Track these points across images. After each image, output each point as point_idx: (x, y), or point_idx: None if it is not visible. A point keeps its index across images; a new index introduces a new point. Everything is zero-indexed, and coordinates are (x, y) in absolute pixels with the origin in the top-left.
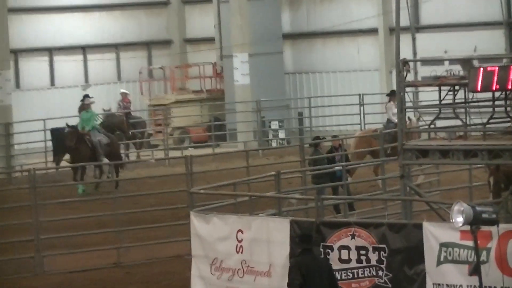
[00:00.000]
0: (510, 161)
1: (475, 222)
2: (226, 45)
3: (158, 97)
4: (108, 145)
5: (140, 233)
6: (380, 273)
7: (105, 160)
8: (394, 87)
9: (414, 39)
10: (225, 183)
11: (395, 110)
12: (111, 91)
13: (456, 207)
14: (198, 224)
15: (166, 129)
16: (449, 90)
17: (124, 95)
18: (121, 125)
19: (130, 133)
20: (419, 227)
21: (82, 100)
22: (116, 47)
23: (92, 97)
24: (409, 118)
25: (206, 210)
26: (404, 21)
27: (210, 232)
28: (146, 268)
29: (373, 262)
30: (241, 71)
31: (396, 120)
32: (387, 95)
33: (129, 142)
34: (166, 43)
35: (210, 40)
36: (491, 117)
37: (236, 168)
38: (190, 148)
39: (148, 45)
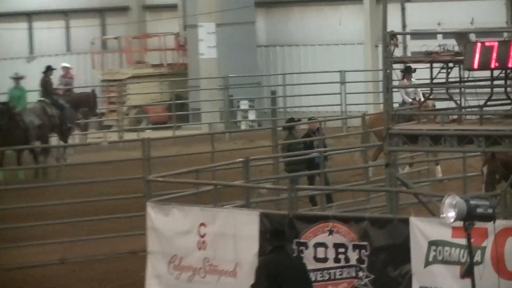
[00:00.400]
0: (510, 149)
1: (469, 217)
2: (190, 14)
3: (112, 71)
4: (39, 128)
5: (89, 226)
6: (361, 274)
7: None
8: (380, 63)
9: (403, 9)
10: (187, 170)
11: (410, 90)
12: (59, 64)
13: (447, 200)
14: (155, 216)
15: (121, 108)
16: (442, 68)
17: (65, 69)
18: (88, 101)
19: (96, 111)
20: (406, 222)
21: (45, 72)
22: (65, 14)
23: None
24: (418, 100)
25: (165, 201)
26: None
27: (168, 226)
28: (95, 265)
29: (353, 261)
30: (207, 43)
31: (410, 100)
32: (401, 71)
33: (79, 122)
34: (122, 10)
35: (172, 7)
36: (489, 99)
37: (200, 153)
38: (148, 130)
39: (101, 12)
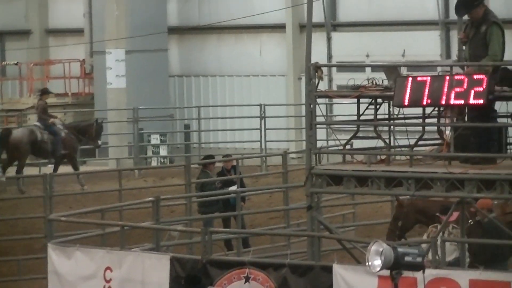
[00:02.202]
0: (441, 192)
1: (396, 266)
2: (97, 39)
3: (12, 100)
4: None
5: None
6: None
7: None
8: (303, 97)
9: (329, 39)
10: (92, 209)
11: None
12: None
13: (373, 248)
14: (57, 259)
15: None
16: (370, 103)
17: None
18: (89, 130)
19: (99, 142)
20: (329, 270)
21: (40, 95)
22: None
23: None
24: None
25: (68, 242)
26: (318, 16)
27: (71, 269)
28: None
29: None
30: (115, 72)
31: None
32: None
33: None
34: (24, 33)
35: (78, 31)
36: (421, 138)
37: (106, 191)
38: (49, 165)
39: (1, 35)
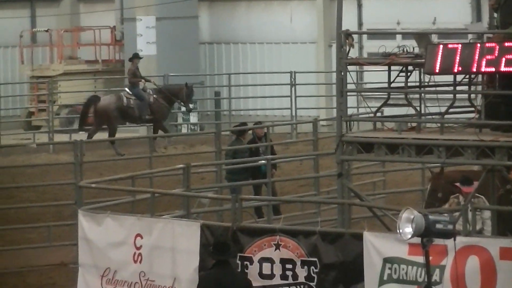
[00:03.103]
0: (472, 160)
1: (427, 234)
2: (128, 6)
3: (42, 67)
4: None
5: (13, 235)
6: None
7: None
8: (334, 65)
9: (360, 6)
10: (122, 176)
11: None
12: None
13: (404, 215)
14: (87, 226)
15: (51, 107)
16: (401, 71)
17: None
18: (180, 94)
19: (190, 105)
20: (359, 237)
21: (131, 60)
22: None
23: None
24: None
25: (98, 209)
26: None
27: (101, 236)
28: (18, 278)
29: (301, 279)
30: (146, 39)
31: None
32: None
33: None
34: (54, 0)
35: None
36: (451, 106)
37: (136, 158)
38: (80, 132)
39: (31, 2)
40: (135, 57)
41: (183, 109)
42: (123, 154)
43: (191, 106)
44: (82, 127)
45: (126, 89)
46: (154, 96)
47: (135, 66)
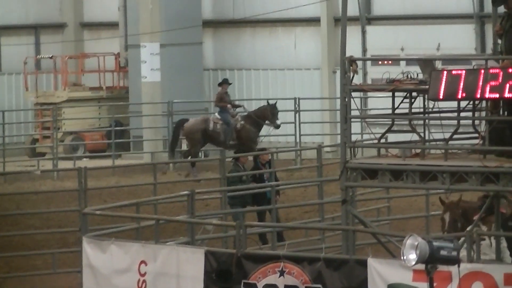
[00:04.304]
0: (476, 186)
1: (431, 260)
2: (132, 33)
3: (46, 93)
4: None
5: (18, 261)
6: None
7: None
8: (338, 91)
9: (364, 32)
10: (127, 203)
11: None
12: None
13: (409, 241)
14: (92, 253)
15: (55, 134)
16: (405, 97)
17: None
18: (266, 114)
19: (277, 122)
20: (363, 264)
21: (220, 85)
22: None
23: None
24: None
25: (102, 236)
26: (353, 9)
27: (106, 263)
28: None
29: None
30: (150, 65)
31: None
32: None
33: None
34: (58, 27)
35: (112, 25)
36: (455, 132)
37: (141, 184)
38: (84, 159)
39: (36, 29)
40: (225, 82)
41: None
42: (200, 180)
43: (278, 122)
44: (173, 151)
45: (216, 113)
46: (242, 122)
47: (224, 91)
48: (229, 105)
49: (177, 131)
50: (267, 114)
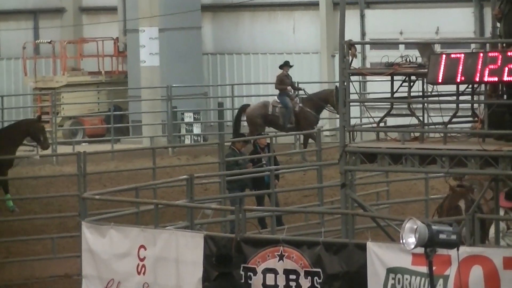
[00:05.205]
0: (475, 169)
1: (430, 244)
2: (131, 17)
3: (45, 78)
4: None
5: (17, 246)
6: None
7: None
8: (337, 75)
9: (362, 16)
10: (126, 187)
11: None
12: None
13: (408, 225)
14: (91, 237)
15: (54, 119)
16: (404, 81)
17: None
18: (329, 99)
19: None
20: (363, 247)
21: (281, 67)
22: None
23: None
24: None
25: (102, 220)
26: None
27: (106, 248)
28: None
29: None
30: (149, 50)
31: None
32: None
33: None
34: (57, 12)
35: (111, 10)
36: (454, 116)
37: (140, 169)
38: (83, 143)
39: (34, 13)
40: (286, 64)
41: (187, 119)
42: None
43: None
44: (237, 134)
45: (276, 97)
46: (300, 105)
47: (285, 73)
48: (289, 87)
49: (239, 116)
50: (332, 97)
